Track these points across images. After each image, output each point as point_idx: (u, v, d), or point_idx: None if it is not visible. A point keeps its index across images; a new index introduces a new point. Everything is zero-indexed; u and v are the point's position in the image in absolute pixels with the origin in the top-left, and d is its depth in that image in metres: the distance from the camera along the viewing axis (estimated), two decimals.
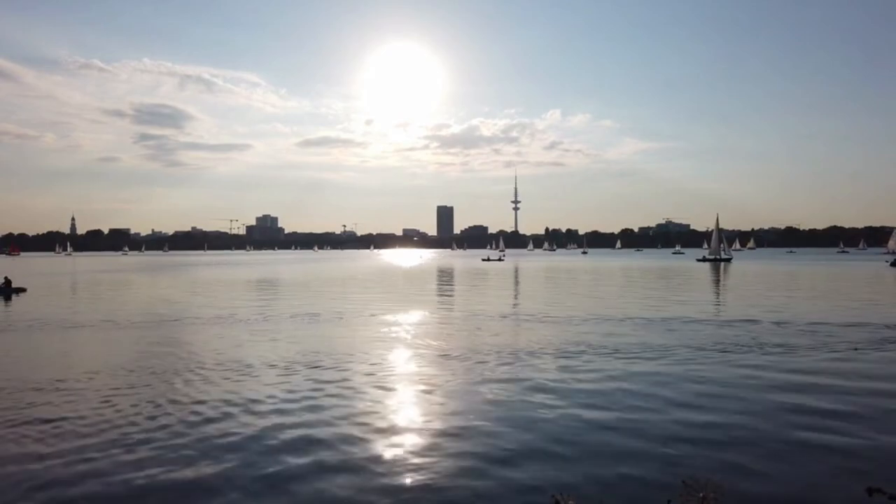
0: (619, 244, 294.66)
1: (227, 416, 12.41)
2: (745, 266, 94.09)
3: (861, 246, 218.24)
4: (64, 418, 12.26)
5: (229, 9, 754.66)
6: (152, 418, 12.21)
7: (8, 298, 42.01)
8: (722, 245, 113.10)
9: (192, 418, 12.21)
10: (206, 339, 22.75)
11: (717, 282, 58.92)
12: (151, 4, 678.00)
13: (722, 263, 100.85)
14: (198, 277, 74.55)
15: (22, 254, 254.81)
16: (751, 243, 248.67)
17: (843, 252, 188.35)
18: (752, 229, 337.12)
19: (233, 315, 30.62)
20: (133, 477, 9.24)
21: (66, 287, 58.71)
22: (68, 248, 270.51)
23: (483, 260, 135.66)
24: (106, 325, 27.13)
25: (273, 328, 25.80)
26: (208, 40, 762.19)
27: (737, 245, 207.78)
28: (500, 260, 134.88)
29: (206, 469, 9.54)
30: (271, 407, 13.06)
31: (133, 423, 11.87)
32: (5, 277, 46.90)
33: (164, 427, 11.63)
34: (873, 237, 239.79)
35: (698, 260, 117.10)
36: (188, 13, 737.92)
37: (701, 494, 4.56)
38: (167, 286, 58.48)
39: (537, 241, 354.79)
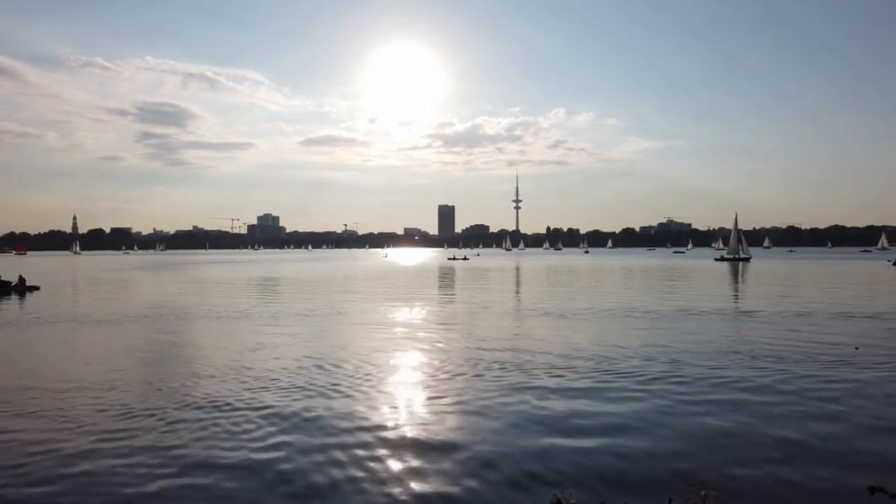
0: (609, 244, 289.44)
1: (239, 413, 12.62)
2: (770, 266, 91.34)
3: (881, 245, 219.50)
4: (76, 414, 12.55)
5: (232, 7, 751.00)
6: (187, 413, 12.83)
7: (22, 296, 42.72)
8: (741, 244, 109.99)
9: (202, 410, 12.65)
10: (219, 334, 23.53)
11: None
12: (154, 3, 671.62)
13: (741, 263, 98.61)
14: (207, 275, 74.89)
15: (28, 253, 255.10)
16: (766, 242, 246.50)
17: (866, 251, 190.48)
18: (754, 228, 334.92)
19: (248, 311, 31.30)
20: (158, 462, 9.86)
21: (76, 285, 59.43)
22: (77, 248, 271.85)
23: (449, 259, 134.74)
24: (122, 321, 27.76)
25: (289, 325, 26.43)
26: (211, 38, 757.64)
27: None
28: (465, 259, 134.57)
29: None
30: (286, 408, 13.27)
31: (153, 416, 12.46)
32: (19, 276, 47.82)
33: (186, 418, 12.23)
34: (873, 237, 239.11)
35: (716, 259, 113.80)
36: (191, 11, 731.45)
37: (702, 493, 4.75)
38: (175, 284, 58.95)
39: (537, 240, 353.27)
